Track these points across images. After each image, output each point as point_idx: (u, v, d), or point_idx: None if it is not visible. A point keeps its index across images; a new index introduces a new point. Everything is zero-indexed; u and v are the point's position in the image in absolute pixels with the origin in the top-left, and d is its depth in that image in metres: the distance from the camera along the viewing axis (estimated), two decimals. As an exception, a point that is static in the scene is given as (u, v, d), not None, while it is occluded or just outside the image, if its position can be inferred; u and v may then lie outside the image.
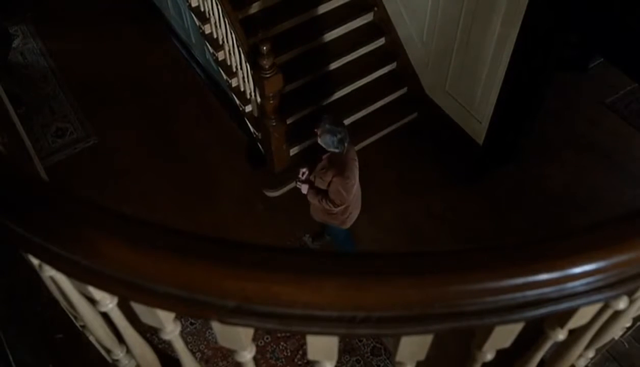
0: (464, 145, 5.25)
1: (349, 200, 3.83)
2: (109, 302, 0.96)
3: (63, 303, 1.20)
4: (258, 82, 4.43)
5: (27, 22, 6.55)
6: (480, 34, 4.50)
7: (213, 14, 4.78)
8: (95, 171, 5.40)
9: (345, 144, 3.66)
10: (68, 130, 5.64)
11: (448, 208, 5.18)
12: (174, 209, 5.14)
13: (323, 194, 3.83)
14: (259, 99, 4.76)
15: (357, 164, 3.84)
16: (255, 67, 4.38)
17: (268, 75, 4.29)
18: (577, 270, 0.74)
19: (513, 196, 5.26)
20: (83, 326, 1.39)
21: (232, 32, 4.58)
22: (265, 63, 4.22)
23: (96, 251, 0.72)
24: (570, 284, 0.74)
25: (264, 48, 4.14)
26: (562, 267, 0.74)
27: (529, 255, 0.73)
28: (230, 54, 4.86)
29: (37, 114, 5.78)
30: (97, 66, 6.18)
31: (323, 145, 3.69)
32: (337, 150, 3.66)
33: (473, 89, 4.89)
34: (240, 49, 4.57)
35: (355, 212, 4.15)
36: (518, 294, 0.73)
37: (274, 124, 4.70)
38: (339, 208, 3.86)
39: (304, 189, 3.95)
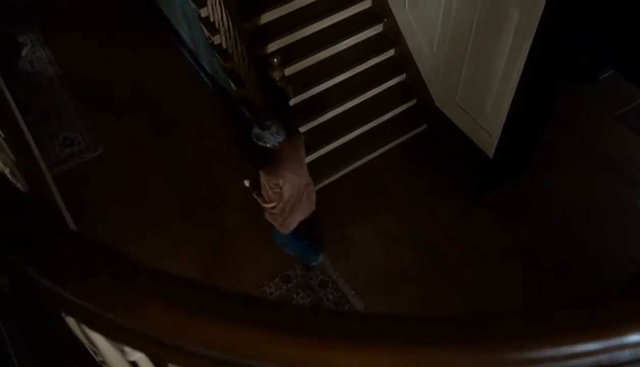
0: (473, 157, 5.22)
1: (279, 199, 3.71)
2: (138, 353, 0.93)
3: (85, 342, 1.17)
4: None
5: (35, 30, 6.53)
6: (491, 46, 4.48)
7: (223, 24, 4.76)
8: (102, 180, 5.38)
9: (277, 137, 3.53)
10: (76, 139, 5.62)
11: (457, 219, 5.15)
12: (180, 219, 5.13)
13: (258, 188, 3.79)
14: (268, 111, 4.74)
15: (301, 157, 3.76)
16: (266, 79, 4.36)
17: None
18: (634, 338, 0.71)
19: (522, 207, 5.23)
20: (102, 362, 1.36)
21: (241, 43, 4.56)
22: (276, 75, 4.20)
23: (141, 313, 0.69)
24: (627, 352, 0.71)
25: (275, 60, 4.12)
26: (619, 334, 0.71)
27: (590, 320, 0.70)
28: (239, 64, 4.84)
29: (45, 122, 5.77)
30: (104, 74, 6.17)
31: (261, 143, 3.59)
32: (268, 145, 3.55)
33: (484, 102, 4.86)
34: (250, 60, 4.55)
35: (296, 216, 3.97)
36: (576, 361, 0.70)
37: (284, 136, 4.67)
38: (276, 208, 3.78)
39: (247, 182, 3.93)
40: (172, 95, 6.06)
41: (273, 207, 3.79)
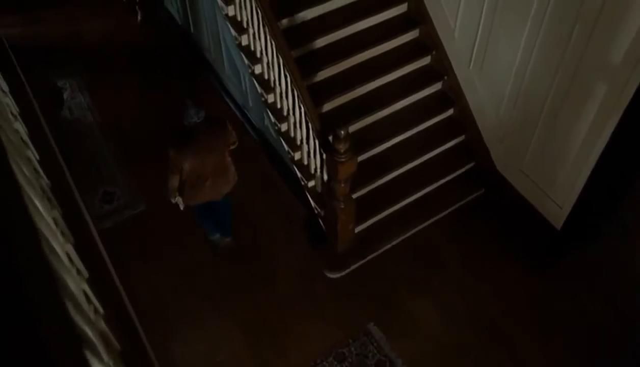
0: (538, 228, 4.89)
1: (180, 173, 4.13)
2: None
3: None
4: (330, 164, 4.12)
5: (75, 75, 6.31)
6: (570, 118, 4.17)
7: (279, 83, 4.49)
8: (143, 240, 5.10)
9: (191, 117, 3.98)
10: (116, 195, 5.36)
11: (520, 293, 4.81)
12: (228, 286, 4.83)
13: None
14: (325, 177, 4.45)
15: (216, 148, 4.14)
16: (328, 149, 4.07)
17: (343, 160, 3.98)
18: None
19: (590, 281, 4.88)
20: None
21: (301, 105, 4.29)
22: (341, 147, 3.92)
23: None
24: None
25: (342, 132, 3.84)
26: None
27: None
28: (295, 127, 4.57)
29: (84, 174, 5.50)
30: (144, 122, 5.92)
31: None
32: (185, 122, 4.01)
33: (555, 172, 4.54)
34: (310, 125, 4.27)
35: (197, 196, 4.36)
36: None
37: (343, 206, 4.38)
38: (174, 179, 4.21)
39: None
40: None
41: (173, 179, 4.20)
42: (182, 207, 4.45)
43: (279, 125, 4.72)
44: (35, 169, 2.48)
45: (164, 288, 4.79)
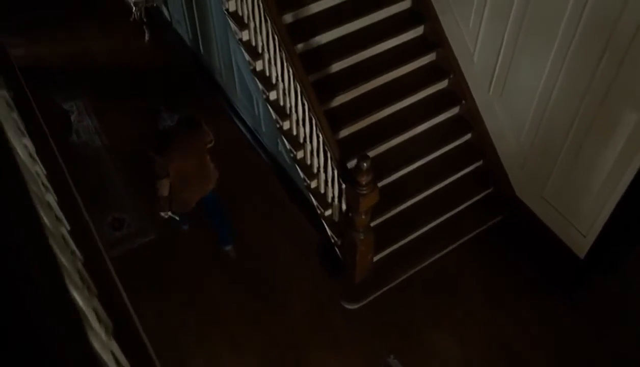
0: (560, 256, 4.77)
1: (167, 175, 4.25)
2: None
3: None
4: (350, 195, 3.99)
5: (81, 97, 6.18)
6: (596, 147, 4.06)
7: (296, 111, 4.37)
8: (155, 271, 4.96)
9: (164, 121, 4.19)
10: (125, 221, 5.22)
11: (542, 324, 4.67)
12: (243, 318, 4.69)
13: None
14: (343, 206, 4.32)
15: (187, 142, 4.26)
16: (349, 180, 3.95)
17: (365, 192, 3.85)
18: None
19: (613, 310, 4.76)
20: None
21: (319, 134, 4.17)
22: (364, 180, 3.79)
23: None
24: None
25: (364, 165, 3.72)
26: None
27: None
28: (312, 155, 4.44)
29: (92, 200, 5.35)
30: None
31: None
32: (160, 127, 4.22)
33: (579, 200, 4.43)
34: (328, 154, 4.15)
35: (182, 196, 4.44)
36: None
37: (362, 237, 4.25)
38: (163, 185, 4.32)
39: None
40: (225, 168, 5.64)
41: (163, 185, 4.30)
42: (177, 217, 4.63)
43: (294, 152, 4.60)
44: (57, 217, 2.35)
45: (178, 321, 4.65)
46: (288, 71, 4.21)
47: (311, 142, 4.36)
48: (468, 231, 5.05)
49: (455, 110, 5.15)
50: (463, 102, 5.08)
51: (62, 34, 6.83)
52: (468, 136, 5.16)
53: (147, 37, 6.63)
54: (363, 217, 4.07)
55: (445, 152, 5.09)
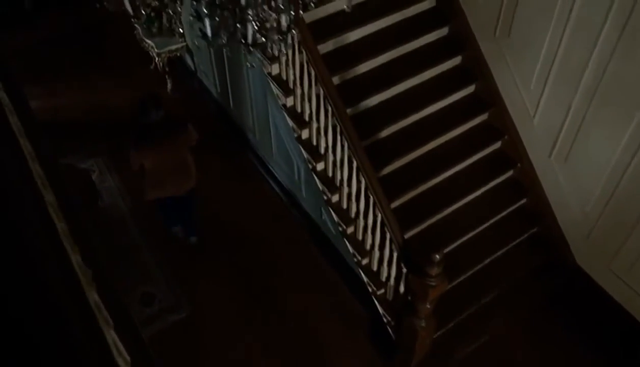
0: (632, 336, 4.42)
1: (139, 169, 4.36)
2: None
3: None
4: (417, 285, 3.63)
5: (101, 153, 5.81)
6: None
7: (349, 185, 4.02)
8: (187, 347, 4.58)
9: (145, 116, 4.17)
10: (156, 297, 4.84)
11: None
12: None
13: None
14: (401, 288, 3.96)
15: (167, 139, 4.29)
16: (414, 269, 3.60)
17: (434, 284, 3.50)
18: None
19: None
20: None
21: (377, 212, 3.82)
22: (434, 272, 3.44)
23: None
24: None
25: (437, 257, 3.37)
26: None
27: None
28: (366, 231, 4.09)
29: (119, 272, 4.98)
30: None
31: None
32: (142, 120, 4.22)
33: (655, 278, 4.09)
34: (387, 235, 3.80)
35: (155, 189, 4.52)
36: None
37: (424, 324, 3.89)
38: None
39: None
40: (261, 234, 5.27)
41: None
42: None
43: (344, 227, 4.25)
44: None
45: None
46: (342, 145, 3.87)
47: (365, 218, 4.01)
48: (527, 302, 4.70)
49: (509, 173, 4.82)
50: (518, 165, 4.75)
51: (80, 85, 6.47)
52: (523, 201, 4.82)
53: (169, 86, 6.28)
54: (428, 306, 3.71)
55: (498, 220, 4.75)
